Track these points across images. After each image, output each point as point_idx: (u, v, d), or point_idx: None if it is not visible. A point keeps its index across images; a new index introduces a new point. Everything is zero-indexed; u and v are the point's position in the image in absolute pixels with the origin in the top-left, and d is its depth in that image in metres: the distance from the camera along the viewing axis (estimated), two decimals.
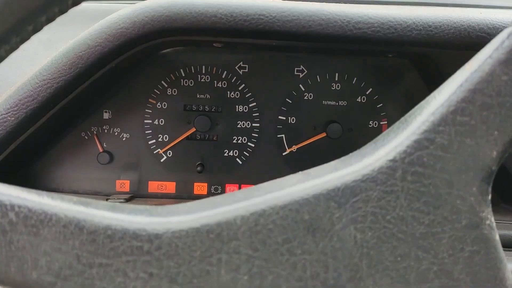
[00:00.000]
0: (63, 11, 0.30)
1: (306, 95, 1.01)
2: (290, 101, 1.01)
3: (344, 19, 0.69)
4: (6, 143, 0.72)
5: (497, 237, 0.34)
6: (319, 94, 1.01)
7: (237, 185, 1.04)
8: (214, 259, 0.33)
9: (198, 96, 1.00)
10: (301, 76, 1.00)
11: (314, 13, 0.68)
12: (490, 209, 0.34)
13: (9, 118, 0.70)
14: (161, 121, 1.00)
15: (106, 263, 0.32)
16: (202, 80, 0.99)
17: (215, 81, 1.00)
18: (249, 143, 1.02)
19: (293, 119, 1.02)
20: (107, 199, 0.95)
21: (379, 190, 0.34)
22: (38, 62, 0.78)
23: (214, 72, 0.99)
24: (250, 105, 1.01)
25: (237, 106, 1.01)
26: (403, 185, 0.34)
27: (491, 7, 1.15)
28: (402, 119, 0.37)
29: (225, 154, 1.02)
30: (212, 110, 1.01)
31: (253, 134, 1.02)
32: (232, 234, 0.33)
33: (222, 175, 1.03)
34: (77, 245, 0.32)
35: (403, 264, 0.34)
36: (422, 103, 0.36)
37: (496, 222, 0.40)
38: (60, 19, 0.32)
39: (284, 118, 1.02)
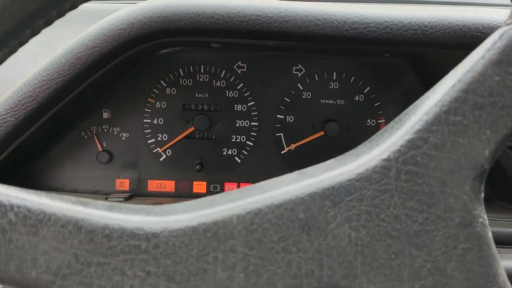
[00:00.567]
0: (60, 14, 0.30)
1: (304, 94, 1.01)
2: (288, 100, 1.01)
3: (341, 19, 0.69)
4: (6, 143, 0.73)
5: (490, 235, 0.35)
6: (317, 93, 1.01)
7: (236, 183, 1.05)
8: (211, 257, 0.34)
9: (197, 95, 1.00)
10: (299, 75, 1.01)
11: (310, 13, 0.69)
12: (483, 207, 0.35)
13: (8, 118, 0.70)
14: (160, 120, 1.01)
15: (104, 262, 0.33)
16: (201, 80, 1.00)
17: (214, 81, 1.00)
18: (247, 142, 1.03)
19: (291, 118, 1.02)
20: (106, 198, 0.95)
21: (373, 189, 0.34)
22: (38, 63, 0.78)
23: (212, 72, 1.00)
24: (249, 104, 1.01)
25: (235, 105, 1.01)
26: (397, 184, 0.34)
27: (486, 5, 1.16)
28: (397, 118, 0.38)
29: (224, 153, 1.03)
30: (211, 109, 1.01)
31: (251, 133, 1.02)
32: (228, 233, 0.34)
33: (221, 173, 1.04)
34: (75, 244, 0.32)
35: (397, 262, 0.34)
36: (417, 102, 0.37)
37: (491, 220, 0.40)
38: (59, 19, 0.33)
39: (283, 117, 1.02)
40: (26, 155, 0.93)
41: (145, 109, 1.00)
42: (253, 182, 1.02)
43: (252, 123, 1.02)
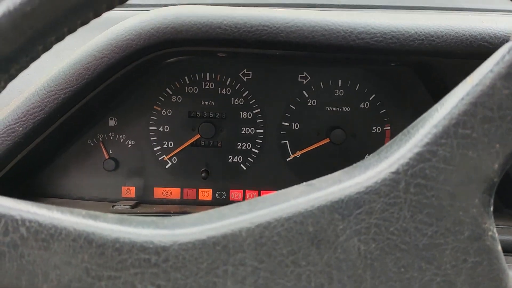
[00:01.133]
0: (71, 30, 0.30)
1: (309, 101, 1.02)
2: (294, 108, 1.02)
3: (347, 30, 0.69)
4: (14, 153, 0.73)
5: (500, 248, 0.35)
6: (323, 100, 1.01)
7: (242, 190, 1.05)
8: (220, 271, 0.34)
9: (202, 103, 1.00)
10: (304, 82, 1.01)
11: (317, 23, 0.69)
12: (492, 220, 0.35)
13: (17, 128, 0.71)
14: (166, 128, 1.01)
15: (115, 276, 0.33)
16: (206, 87, 1.00)
17: (219, 88, 1.00)
18: (253, 149, 1.03)
19: (296, 125, 1.02)
20: (113, 206, 0.95)
21: (382, 202, 0.34)
22: (44, 70, 0.79)
23: (218, 79, 1.00)
24: (254, 112, 1.01)
25: (241, 113, 1.01)
26: (406, 197, 0.34)
27: (489, 10, 1.16)
28: (405, 131, 0.38)
29: (230, 160, 1.03)
30: (217, 116, 1.01)
31: (257, 140, 1.03)
32: (238, 246, 0.34)
33: (226, 181, 1.04)
34: (86, 258, 0.32)
35: (406, 275, 0.34)
36: (425, 115, 0.37)
37: (499, 227, 0.40)
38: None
39: (288, 124, 1.02)
40: (33, 163, 0.94)
41: (151, 117, 1.00)
42: (259, 189, 1.04)
43: (257, 131, 1.02)
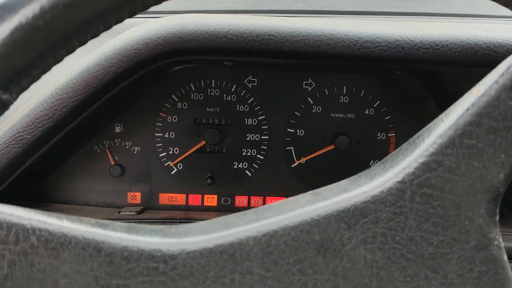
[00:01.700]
0: (82, 43, 0.31)
1: (314, 108, 1.02)
2: (299, 114, 1.02)
3: (352, 39, 0.70)
4: (22, 160, 0.74)
5: (505, 257, 0.35)
6: (327, 107, 1.02)
7: (247, 197, 1.05)
8: (228, 279, 0.34)
9: (207, 109, 1.01)
10: (309, 89, 1.01)
11: (322, 32, 0.70)
12: (498, 229, 0.35)
13: (25, 136, 0.72)
14: (172, 134, 1.01)
15: (123, 284, 0.33)
16: (212, 94, 1.01)
17: (225, 95, 1.01)
18: (258, 156, 1.03)
19: (301, 132, 1.03)
20: (119, 212, 0.96)
21: (388, 211, 0.35)
22: (51, 77, 0.80)
23: (223, 86, 1.01)
24: (259, 118, 1.02)
25: (246, 119, 1.02)
26: (412, 206, 0.35)
27: (495, 17, 1.16)
28: (410, 140, 0.38)
29: (235, 166, 1.04)
30: (222, 123, 1.02)
31: (262, 147, 1.03)
32: (245, 255, 0.34)
33: (231, 187, 1.04)
34: (95, 266, 0.33)
35: (412, 284, 0.34)
36: (430, 125, 0.37)
37: (505, 234, 0.40)
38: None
39: (293, 130, 1.03)
40: (40, 169, 0.94)
41: (157, 123, 1.01)
42: (264, 195, 1.04)
43: (262, 137, 1.02)
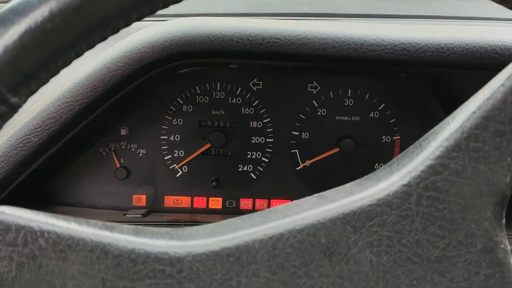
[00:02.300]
0: (91, 46, 0.31)
1: (319, 110, 1.02)
2: (304, 117, 1.02)
3: (358, 42, 0.70)
4: (29, 162, 0.75)
5: None
6: (332, 110, 1.02)
7: (251, 199, 1.05)
8: (234, 282, 0.34)
9: (213, 112, 1.01)
10: (314, 92, 1.02)
11: (328, 36, 0.70)
12: (504, 233, 0.35)
13: (32, 138, 0.72)
14: (177, 137, 1.02)
15: (130, 286, 0.33)
16: (217, 97, 1.01)
17: (230, 98, 1.01)
18: (263, 158, 1.03)
19: (306, 135, 1.03)
20: (124, 214, 0.96)
21: (394, 215, 0.35)
22: (57, 80, 0.80)
23: (228, 89, 1.01)
24: (264, 121, 1.02)
25: (251, 122, 1.02)
26: (418, 209, 0.35)
27: (500, 20, 1.16)
28: (416, 143, 0.38)
29: (240, 169, 1.04)
30: (227, 126, 1.02)
31: (267, 150, 1.03)
32: (251, 258, 0.34)
33: (236, 189, 1.04)
34: (102, 269, 0.33)
35: None
36: (436, 128, 0.37)
37: (511, 238, 0.40)
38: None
39: (298, 133, 1.03)
40: (46, 172, 0.95)
41: (162, 126, 1.01)
42: (269, 198, 1.04)
43: (267, 140, 1.03)
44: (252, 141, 1.03)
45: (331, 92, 1.02)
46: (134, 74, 0.72)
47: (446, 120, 0.37)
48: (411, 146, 0.38)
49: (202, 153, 1.02)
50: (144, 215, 0.97)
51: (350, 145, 1.00)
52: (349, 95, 1.02)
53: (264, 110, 1.02)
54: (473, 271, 0.34)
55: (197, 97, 1.01)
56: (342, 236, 0.35)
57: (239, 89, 1.01)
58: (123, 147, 1.01)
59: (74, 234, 0.33)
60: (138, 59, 0.71)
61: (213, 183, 1.02)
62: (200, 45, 0.69)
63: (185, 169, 1.03)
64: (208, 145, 1.01)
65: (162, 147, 1.02)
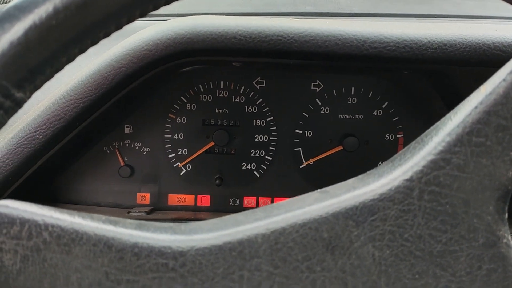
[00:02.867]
0: (95, 42, 0.32)
1: (322, 109, 1.02)
2: (307, 115, 1.02)
3: (360, 39, 0.70)
4: (34, 160, 0.75)
5: None
6: (336, 108, 1.02)
7: (255, 197, 1.05)
8: (236, 276, 0.34)
9: (216, 111, 1.02)
10: (317, 90, 1.02)
11: (330, 33, 0.70)
12: (507, 227, 0.35)
13: (37, 136, 0.73)
14: (181, 135, 1.02)
15: (134, 280, 0.34)
16: (220, 96, 1.01)
17: (233, 96, 1.02)
18: (266, 157, 1.03)
19: (309, 133, 1.03)
20: (128, 212, 0.97)
21: (396, 209, 0.35)
22: (61, 78, 0.80)
23: (232, 88, 1.01)
24: (267, 119, 1.02)
25: (254, 120, 1.02)
26: (420, 204, 0.35)
27: (503, 18, 1.15)
28: (419, 139, 0.38)
29: (243, 167, 1.04)
30: (230, 124, 1.02)
31: (270, 148, 1.03)
32: (253, 252, 0.35)
33: (240, 188, 1.05)
34: (106, 262, 0.33)
35: (421, 282, 0.34)
36: (438, 123, 0.37)
37: None
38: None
39: (301, 131, 1.03)
40: (50, 169, 0.95)
41: (166, 125, 1.02)
42: (272, 196, 1.04)
43: (271, 138, 1.03)
44: (256, 140, 1.03)
45: (334, 91, 1.02)
46: (138, 72, 0.73)
47: (448, 115, 0.37)
48: (414, 142, 0.38)
49: (205, 151, 1.03)
50: (148, 213, 0.97)
51: (354, 143, 1.00)
52: (352, 93, 1.02)
53: (267, 108, 1.02)
54: (476, 265, 0.34)
55: (201, 95, 1.01)
56: (345, 230, 0.35)
57: (243, 87, 1.01)
58: (127, 145, 1.02)
59: (78, 228, 0.33)
60: (142, 56, 0.71)
61: (217, 181, 1.02)
62: (203, 42, 0.70)
63: (189, 167, 1.04)
64: (212, 144, 1.02)
65: (166, 146, 1.02)
